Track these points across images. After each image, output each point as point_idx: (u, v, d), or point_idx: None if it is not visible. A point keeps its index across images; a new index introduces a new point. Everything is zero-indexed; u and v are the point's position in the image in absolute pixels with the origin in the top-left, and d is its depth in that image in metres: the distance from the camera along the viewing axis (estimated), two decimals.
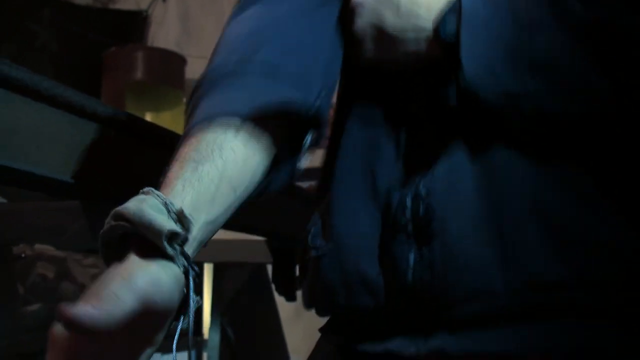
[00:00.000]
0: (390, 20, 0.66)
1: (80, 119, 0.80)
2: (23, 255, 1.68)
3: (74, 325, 0.47)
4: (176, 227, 0.52)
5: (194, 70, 3.12)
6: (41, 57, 3.00)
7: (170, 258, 0.52)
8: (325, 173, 0.75)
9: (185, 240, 0.53)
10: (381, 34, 0.67)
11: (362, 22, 0.68)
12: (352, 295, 0.68)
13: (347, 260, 0.68)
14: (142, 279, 0.50)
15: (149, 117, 2.99)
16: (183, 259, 0.53)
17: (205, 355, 2.09)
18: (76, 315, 0.46)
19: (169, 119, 2.99)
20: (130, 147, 0.90)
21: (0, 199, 1.47)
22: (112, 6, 3.42)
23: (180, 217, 0.53)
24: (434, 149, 0.65)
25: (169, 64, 3.03)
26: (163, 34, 3.35)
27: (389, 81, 0.71)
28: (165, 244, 0.52)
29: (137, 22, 3.35)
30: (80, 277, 1.78)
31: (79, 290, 1.74)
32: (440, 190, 0.64)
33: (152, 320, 0.52)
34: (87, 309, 0.47)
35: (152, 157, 0.91)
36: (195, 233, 0.56)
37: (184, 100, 3.09)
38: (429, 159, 0.65)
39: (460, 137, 0.64)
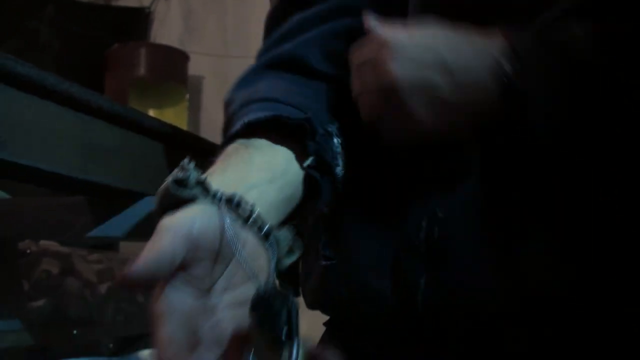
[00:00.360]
0: (446, 87, 0.58)
1: (86, 115, 0.81)
2: (28, 251, 1.69)
3: (130, 283, 0.48)
4: (178, 174, 0.53)
5: (196, 67, 3.13)
6: (43, 56, 3.01)
7: (191, 200, 0.53)
8: None
9: (200, 182, 0.53)
10: (440, 104, 0.59)
11: (409, 96, 0.59)
12: (359, 312, 0.68)
13: (356, 278, 0.68)
14: (176, 220, 0.51)
15: (152, 113, 2.99)
16: (200, 191, 0.53)
17: None
18: (126, 273, 0.48)
19: (172, 116, 3.00)
20: (135, 143, 0.90)
21: (4, 194, 1.47)
22: (114, 3, 3.43)
23: (184, 167, 0.53)
24: (453, 170, 0.64)
25: (172, 61, 3.04)
26: (166, 31, 3.35)
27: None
28: (173, 186, 0.52)
29: (140, 19, 3.35)
30: (85, 273, 1.78)
31: (84, 286, 1.74)
32: (457, 214, 0.62)
33: (204, 253, 0.52)
34: (134, 264, 0.48)
35: (157, 153, 0.92)
36: (232, 188, 0.55)
37: (187, 96, 3.10)
38: (447, 181, 0.64)
39: (479, 159, 0.62)
